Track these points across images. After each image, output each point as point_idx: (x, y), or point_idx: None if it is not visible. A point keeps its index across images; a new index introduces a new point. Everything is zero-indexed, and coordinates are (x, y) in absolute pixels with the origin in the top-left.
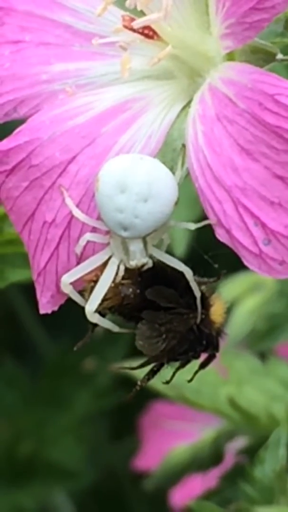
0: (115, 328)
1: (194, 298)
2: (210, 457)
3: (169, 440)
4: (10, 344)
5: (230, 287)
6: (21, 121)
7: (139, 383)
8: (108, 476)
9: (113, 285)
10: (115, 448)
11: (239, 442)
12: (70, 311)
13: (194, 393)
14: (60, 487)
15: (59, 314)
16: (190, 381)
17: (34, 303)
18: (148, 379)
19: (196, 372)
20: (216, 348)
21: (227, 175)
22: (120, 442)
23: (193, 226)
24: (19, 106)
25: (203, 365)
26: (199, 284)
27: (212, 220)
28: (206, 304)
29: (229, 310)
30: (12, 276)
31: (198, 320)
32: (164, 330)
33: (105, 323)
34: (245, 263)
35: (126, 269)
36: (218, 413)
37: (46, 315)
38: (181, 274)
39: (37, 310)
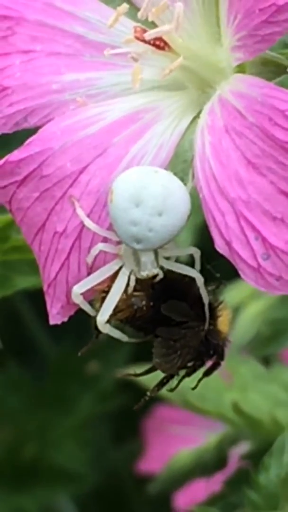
0: (125, 338)
1: (203, 309)
2: (214, 461)
3: (172, 444)
4: (14, 348)
5: (234, 293)
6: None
7: (148, 393)
8: (111, 479)
9: (125, 297)
10: (118, 451)
11: (243, 447)
12: (74, 314)
13: (198, 398)
14: (63, 490)
15: None
16: (194, 388)
17: (38, 307)
18: (158, 390)
19: (200, 380)
20: (221, 357)
21: (231, 187)
22: (123, 445)
23: (197, 253)
24: (30, 116)
25: (207, 373)
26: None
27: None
28: (214, 314)
29: (233, 316)
30: (19, 283)
31: (206, 330)
32: (179, 346)
33: (116, 333)
34: (243, 276)
35: (138, 281)
36: (222, 418)
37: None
38: (190, 284)
39: (41, 313)
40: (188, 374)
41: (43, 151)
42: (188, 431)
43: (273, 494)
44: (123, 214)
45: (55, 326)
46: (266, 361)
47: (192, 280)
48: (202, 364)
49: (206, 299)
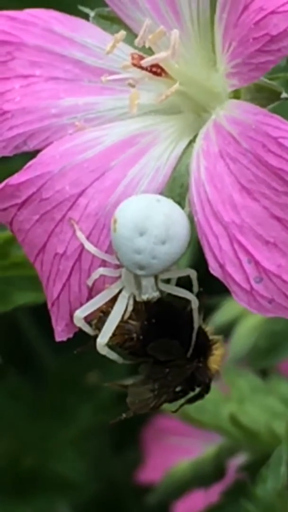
0: (120, 360)
1: (197, 346)
2: (212, 472)
3: (171, 454)
4: (14, 357)
5: (231, 305)
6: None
7: (123, 415)
8: (110, 489)
9: (120, 323)
10: (117, 461)
11: (240, 458)
12: None
13: (196, 410)
14: (62, 499)
15: None
16: (174, 412)
17: (37, 317)
18: (138, 410)
19: (181, 405)
20: (206, 391)
21: (225, 211)
22: (122, 455)
23: (194, 274)
24: (29, 139)
25: (189, 401)
26: (204, 330)
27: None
28: (207, 352)
29: (230, 328)
30: (19, 299)
31: (194, 367)
32: (157, 386)
33: (113, 355)
34: (235, 298)
35: (135, 310)
36: (219, 430)
37: (49, 328)
38: (186, 318)
39: (40, 324)
40: (169, 401)
41: (43, 175)
42: (186, 442)
43: (270, 505)
44: (127, 243)
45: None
46: (264, 374)
47: (189, 313)
48: (185, 395)
49: (197, 321)
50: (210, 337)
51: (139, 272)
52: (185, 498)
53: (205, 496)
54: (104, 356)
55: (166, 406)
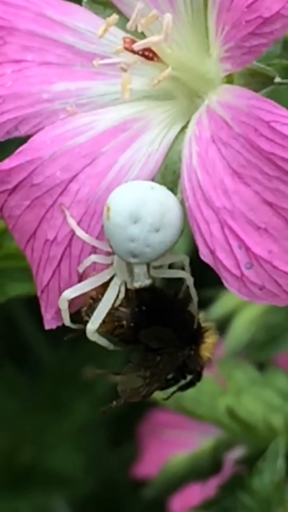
0: (110, 347)
1: (187, 333)
2: (209, 466)
3: (167, 448)
4: (10, 352)
5: (229, 297)
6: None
7: (113, 403)
8: (106, 484)
9: (111, 310)
10: (113, 455)
11: (237, 452)
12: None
13: (192, 403)
14: (59, 494)
15: None
16: (166, 399)
17: (33, 311)
18: (129, 398)
19: (173, 393)
20: (198, 379)
21: (217, 197)
22: (118, 449)
23: (186, 260)
24: (20, 125)
25: (181, 389)
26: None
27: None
28: (199, 339)
29: (228, 320)
30: (12, 290)
31: (186, 355)
32: (148, 374)
33: (103, 341)
34: (226, 284)
35: (125, 297)
36: (216, 423)
37: None
38: (179, 305)
39: (37, 317)
40: (161, 389)
41: (33, 160)
42: (183, 436)
43: (267, 498)
44: (121, 231)
45: (51, 331)
46: (261, 366)
47: (183, 300)
48: (176, 383)
49: (195, 297)
50: (202, 324)
51: (132, 260)
52: (182, 492)
53: (202, 490)
54: (100, 350)
55: (159, 396)
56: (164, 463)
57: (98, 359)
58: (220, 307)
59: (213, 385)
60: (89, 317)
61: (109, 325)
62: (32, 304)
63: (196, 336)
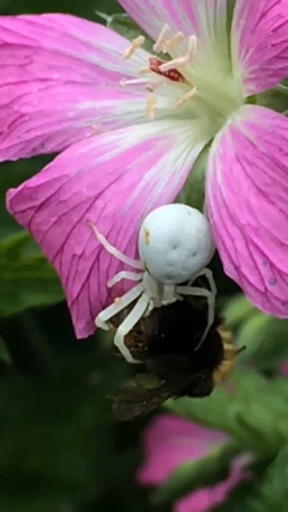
0: (129, 359)
1: (206, 356)
2: (216, 472)
3: (173, 454)
4: (16, 358)
5: (237, 306)
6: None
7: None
8: (112, 489)
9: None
10: (120, 461)
11: (245, 458)
12: None
13: (202, 410)
14: (65, 499)
15: (65, 328)
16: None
17: (41, 318)
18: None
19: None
20: (208, 394)
21: (241, 214)
22: (125, 455)
23: (210, 274)
24: (47, 142)
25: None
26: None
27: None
28: (215, 364)
29: (236, 329)
30: (28, 300)
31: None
32: (148, 396)
33: (125, 351)
34: (250, 300)
35: (144, 322)
36: (225, 430)
37: (52, 329)
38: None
39: (44, 325)
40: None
41: (60, 178)
42: (190, 442)
43: (277, 504)
44: (160, 256)
45: (58, 337)
46: (269, 374)
47: (206, 321)
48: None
49: (211, 319)
50: (225, 346)
51: (167, 282)
52: (190, 498)
53: (210, 496)
54: (106, 357)
55: (173, 406)
56: (170, 469)
57: (104, 366)
58: (228, 315)
59: (222, 393)
60: (114, 324)
61: (129, 341)
62: (39, 312)
63: (212, 360)
